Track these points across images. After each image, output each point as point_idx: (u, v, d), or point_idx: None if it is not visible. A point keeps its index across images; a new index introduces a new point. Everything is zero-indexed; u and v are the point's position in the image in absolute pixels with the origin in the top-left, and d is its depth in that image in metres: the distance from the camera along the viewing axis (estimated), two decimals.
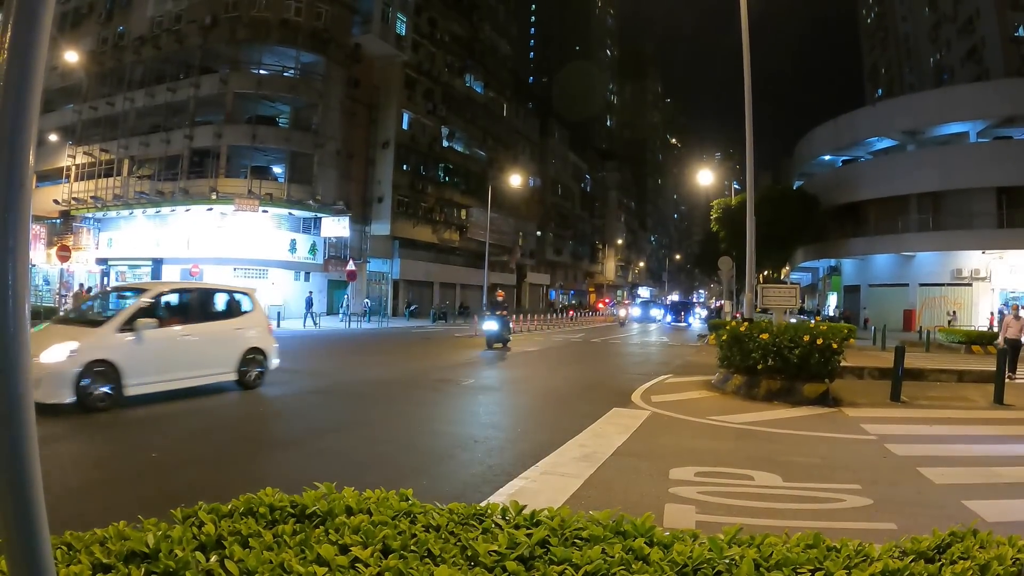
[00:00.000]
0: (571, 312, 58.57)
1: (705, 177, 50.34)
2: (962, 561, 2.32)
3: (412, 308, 46.47)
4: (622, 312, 50.53)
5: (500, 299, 24.52)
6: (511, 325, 24.88)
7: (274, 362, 12.46)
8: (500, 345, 22.82)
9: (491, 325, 22.79)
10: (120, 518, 2.42)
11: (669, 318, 56.66)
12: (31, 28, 1.42)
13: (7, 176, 1.38)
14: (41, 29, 1.44)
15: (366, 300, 44.51)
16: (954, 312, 36.67)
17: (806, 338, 11.79)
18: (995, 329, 30.99)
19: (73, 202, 41.40)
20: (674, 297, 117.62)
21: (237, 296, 12.38)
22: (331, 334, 29.50)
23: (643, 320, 58.32)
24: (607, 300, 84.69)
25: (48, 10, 1.45)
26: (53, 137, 43.04)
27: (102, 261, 41.90)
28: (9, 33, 1.41)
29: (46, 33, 1.45)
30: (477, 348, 23.13)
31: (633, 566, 2.23)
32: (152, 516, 2.51)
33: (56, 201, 41.37)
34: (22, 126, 1.41)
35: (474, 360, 19.10)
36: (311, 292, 37.25)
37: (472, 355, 20.50)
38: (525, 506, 2.77)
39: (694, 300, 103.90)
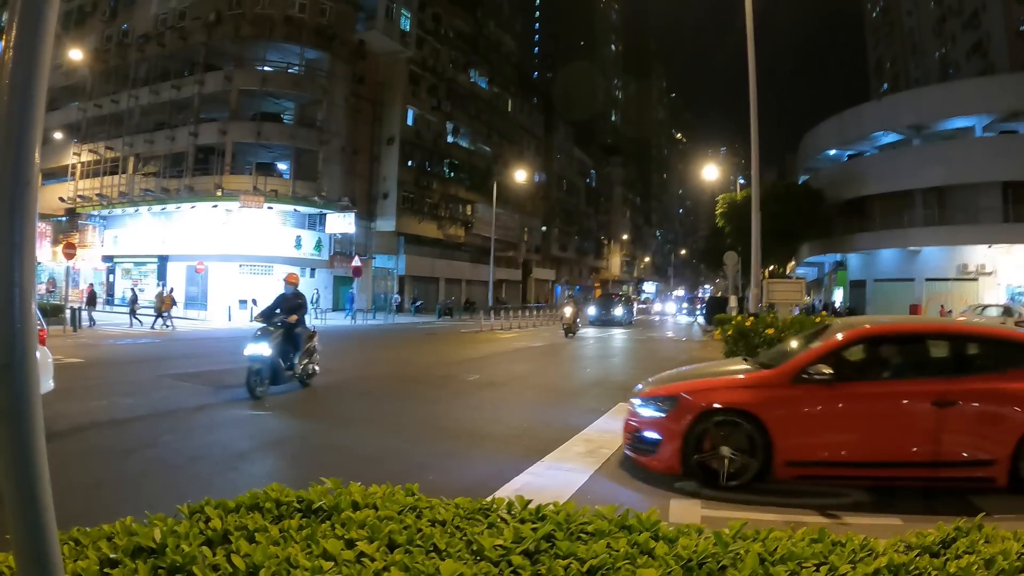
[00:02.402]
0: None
1: (710, 172, 50.36)
2: (967, 555, 2.32)
3: (417, 304, 46.48)
4: (568, 311, 29.11)
5: (291, 285, 11.94)
6: (314, 342, 12.19)
7: (46, 384, 7.83)
8: (301, 383, 11.70)
9: (258, 348, 10.59)
10: None
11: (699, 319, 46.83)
12: (36, 27, 1.42)
13: (13, 174, 1.39)
14: (46, 28, 1.44)
15: (395, 295, 44.83)
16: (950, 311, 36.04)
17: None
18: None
19: (78, 200, 41.55)
20: (679, 292, 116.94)
21: None
22: (334, 330, 29.54)
23: (602, 322, 38.98)
24: (613, 296, 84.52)
25: (53, 10, 1.45)
26: (58, 135, 43.18)
27: (108, 259, 42.05)
28: (14, 32, 1.42)
29: (51, 32, 1.46)
30: (483, 344, 22.95)
31: (638, 560, 2.24)
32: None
33: (61, 199, 41.53)
34: (28, 125, 1.42)
35: (477, 356, 19.11)
36: (352, 291, 37.45)
37: (478, 351, 20.43)
38: (530, 501, 2.78)
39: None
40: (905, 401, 6.11)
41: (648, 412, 6.58)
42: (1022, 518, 5.22)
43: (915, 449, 5.97)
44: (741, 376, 6.74)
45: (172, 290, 29.31)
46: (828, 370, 6.14)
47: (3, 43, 1.43)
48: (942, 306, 36.40)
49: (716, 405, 6.26)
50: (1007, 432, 5.75)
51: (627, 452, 6.83)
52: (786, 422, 6.10)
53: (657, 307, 78.69)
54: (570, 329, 28.41)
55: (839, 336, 6.68)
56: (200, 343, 21.53)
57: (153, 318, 26.99)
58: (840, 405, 6.10)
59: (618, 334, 32.29)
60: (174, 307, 28.25)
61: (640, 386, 7.25)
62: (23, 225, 1.39)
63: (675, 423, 6.24)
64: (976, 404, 5.93)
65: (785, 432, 6.04)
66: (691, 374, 7.52)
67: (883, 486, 6.09)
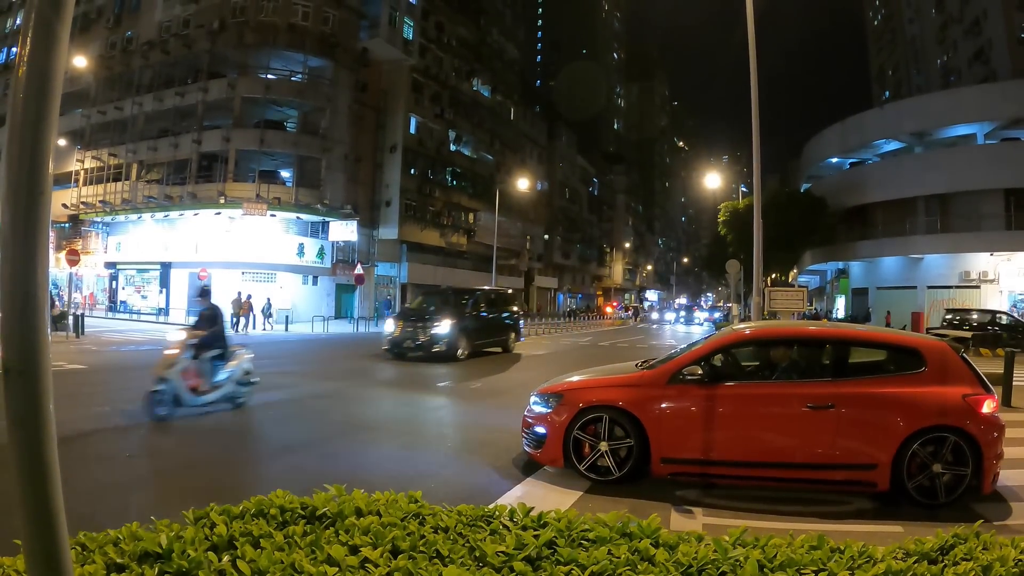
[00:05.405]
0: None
1: (713, 180, 50.44)
2: (965, 562, 2.34)
3: None
4: (172, 345, 9.46)
5: None
6: None
7: None
8: None
9: None
10: None
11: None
12: (48, 42, 1.44)
13: (28, 185, 1.41)
14: (58, 44, 1.47)
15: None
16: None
17: None
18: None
19: (82, 206, 41.66)
20: (681, 300, 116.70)
21: None
22: (338, 337, 29.55)
23: (413, 352, 18.55)
24: (615, 303, 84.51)
25: (65, 26, 1.48)
26: (62, 142, 43.22)
27: (111, 265, 42.13)
28: (28, 47, 1.44)
29: (63, 46, 1.48)
30: (484, 351, 22.91)
31: (639, 567, 2.26)
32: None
33: (65, 205, 41.62)
34: (41, 136, 1.44)
35: (479, 362, 19.11)
36: (389, 297, 37.55)
37: (479, 358, 20.42)
38: (532, 508, 2.80)
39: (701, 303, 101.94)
40: (777, 403, 6.16)
41: (539, 408, 6.87)
42: (1021, 525, 5.22)
43: (791, 450, 6.03)
44: (624, 375, 6.90)
45: (250, 296, 31.69)
46: (700, 371, 6.31)
47: (16, 56, 1.46)
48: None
49: (595, 402, 6.50)
50: (888, 436, 5.75)
51: (525, 448, 7.02)
52: (661, 420, 6.28)
53: (656, 314, 78.59)
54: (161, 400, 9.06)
55: (717, 339, 6.89)
56: None
57: (233, 323, 29.58)
58: (713, 406, 6.20)
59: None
60: (251, 312, 31.50)
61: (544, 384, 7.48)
62: (36, 235, 1.42)
63: (558, 418, 6.54)
64: (854, 407, 5.93)
65: (660, 430, 6.22)
66: (588, 374, 7.70)
67: (766, 486, 6.16)
